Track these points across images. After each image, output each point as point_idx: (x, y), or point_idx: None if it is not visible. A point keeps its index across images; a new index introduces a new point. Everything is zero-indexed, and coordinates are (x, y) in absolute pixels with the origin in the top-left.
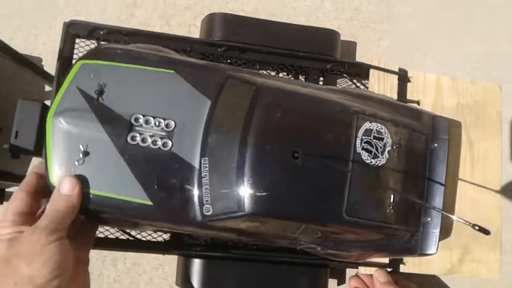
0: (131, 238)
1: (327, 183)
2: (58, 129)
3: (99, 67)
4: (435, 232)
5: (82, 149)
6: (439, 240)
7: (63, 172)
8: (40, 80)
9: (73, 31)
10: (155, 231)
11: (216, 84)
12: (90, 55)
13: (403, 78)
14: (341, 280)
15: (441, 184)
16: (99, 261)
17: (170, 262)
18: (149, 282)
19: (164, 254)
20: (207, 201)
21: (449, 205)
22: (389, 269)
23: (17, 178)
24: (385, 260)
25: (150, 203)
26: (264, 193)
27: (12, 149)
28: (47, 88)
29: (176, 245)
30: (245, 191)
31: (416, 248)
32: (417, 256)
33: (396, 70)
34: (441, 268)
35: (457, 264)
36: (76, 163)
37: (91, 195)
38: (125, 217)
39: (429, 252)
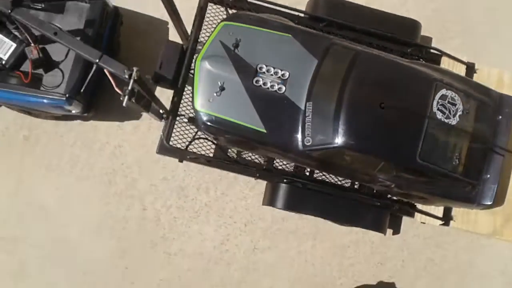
0: (234, 162)
1: (406, 131)
2: (204, 69)
3: (237, 27)
4: (492, 187)
5: (219, 85)
6: (495, 194)
7: (205, 100)
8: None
9: None
10: (262, 156)
11: (323, 47)
12: (231, 18)
13: (470, 69)
14: (396, 231)
15: (503, 149)
16: (194, 188)
17: (252, 197)
18: (233, 209)
19: (257, 179)
20: (308, 134)
21: (506, 173)
22: (440, 223)
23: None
24: (439, 213)
25: (264, 130)
26: (354, 132)
27: (155, 76)
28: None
29: (269, 172)
30: (339, 129)
31: (475, 199)
32: (475, 207)
33: (465, 61)
34: (485, 228)
35: (499, 228)
36: (215, 94)
37: (222, 119)
38: (244, 139)
39: (486, 202)
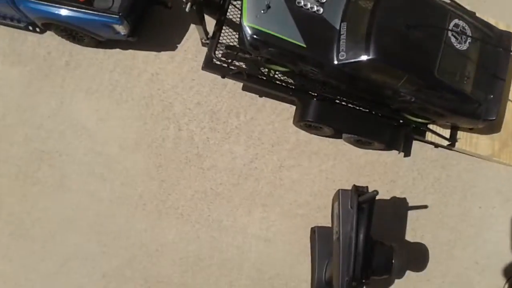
0: (272, 78)
1: (427, 50)
2: None
3: None
4: (496, 105)
5: (266, 3)
6: (498, 108)
7: (253, 16)
8: None
9: None
10: (298, 72)
11: None
12: None
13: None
14: (407, 154)
15: (503, 74)
16: (226, 112)
17: (279, 122)
18: (261, 132)
19: (291, 93)
20: (342, 49)
21: (506, 95)
22: (447, 143)
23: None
24: (447, 134)
25: (304, 45)
26: (384, 48)
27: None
28: None
29: (302, 89)
30: (370, 45)
31: (481, 115)
32: (481, 122)
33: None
34: (485, 151)
35: (497, 152)
36: (261, 11)
37: (268, 33)
38: (286, 53)
39: (491, 117)
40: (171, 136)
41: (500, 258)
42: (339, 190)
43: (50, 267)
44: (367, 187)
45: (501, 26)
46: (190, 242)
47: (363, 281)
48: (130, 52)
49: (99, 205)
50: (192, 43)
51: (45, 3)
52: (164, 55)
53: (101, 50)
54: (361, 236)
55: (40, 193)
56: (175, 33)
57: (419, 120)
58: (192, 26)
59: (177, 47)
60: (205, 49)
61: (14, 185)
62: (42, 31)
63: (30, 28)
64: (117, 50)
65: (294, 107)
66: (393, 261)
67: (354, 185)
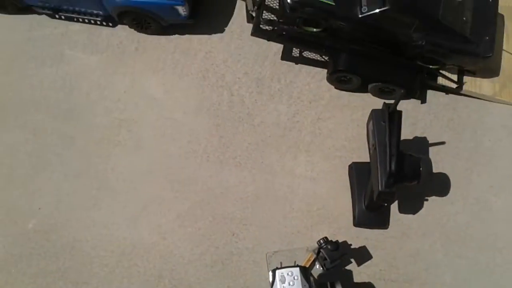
0: (310, 36)
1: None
2: None
3: None
4: (491, 44)
5: None
6: (493, 47)
7: None
8: None
9: None
10: (329, 28)
11: None
12: None
13: None
14: (423, 101)
15: (494, 17)
16: (269, 78)
17: (314, 82)
18: (300, 92)
19: (324, 50)
20: (364, 4)
21: (499, 36)
22: (455, 86)
23: None
24: (454, 78)
25: (332, 3)
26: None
27: None
28: None
29: (331, 46)
30: None
31: (480, 53)
32: (480, 60)
33: None
34: (487, 91)
35: (498, 91)
36: None
37: None
38: (319, 11)
39: (487, 54)
40: (225, 101)
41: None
42: (372, 110)
43: (132, 212)
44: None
45: None
46: (247, 184)
47: (396, 183)
48: (186, 36)
49: (171, 160)
50: (236, 25)
51: None
52: (215, 36)
53: (163, 37)
54: (394, 140)
55: (121, 153)
56: (222, 18)
57: (431, 66)
58: (236, 10)
59: (224, 29)
60: (248, 28)
61: (99, 148)
62: (114, 25)
63: (104, 23)
64: (176, 36)
65: (325, 71)
66: (420, 168)
67: (384, 102)
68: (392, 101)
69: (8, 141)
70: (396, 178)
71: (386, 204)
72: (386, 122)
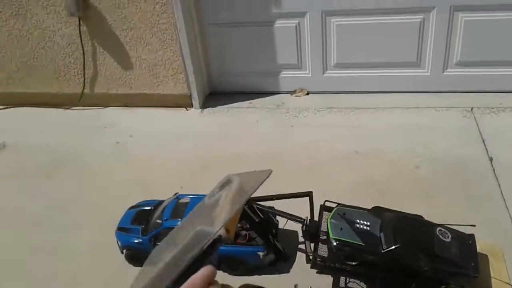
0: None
1: (427, 240)
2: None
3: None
4: (476, 268)
5: (340, 227)
6: (478, 269)
7: (335, 233)
8: None
9: None
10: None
11: None
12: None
13: None
14: None
15: (474, 249)
16: None
17: None
18: None
19: (363, 278)
20: (383, 243)
21: (486, 273)
22: None
23: None
24: None
25: (362, 244)
26: (402, 240)
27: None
28: None
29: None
30: (396, 238)
31: (470, 273)
32: (471, 278)
33: None
34: None
35: None
36: (339, 230)
37: (344, 240)
38: (354, 250)
39: (475, 274)
40: None
41: None
42: None
43: None
44: None
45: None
46: None
47: None
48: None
49: None
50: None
51: None
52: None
53: None
54: None
55: None
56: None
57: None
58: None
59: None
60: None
61: None
62: None
63: None
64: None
65: None
66: None
67: None
68: None
69: None
70: None
71: None
72: None
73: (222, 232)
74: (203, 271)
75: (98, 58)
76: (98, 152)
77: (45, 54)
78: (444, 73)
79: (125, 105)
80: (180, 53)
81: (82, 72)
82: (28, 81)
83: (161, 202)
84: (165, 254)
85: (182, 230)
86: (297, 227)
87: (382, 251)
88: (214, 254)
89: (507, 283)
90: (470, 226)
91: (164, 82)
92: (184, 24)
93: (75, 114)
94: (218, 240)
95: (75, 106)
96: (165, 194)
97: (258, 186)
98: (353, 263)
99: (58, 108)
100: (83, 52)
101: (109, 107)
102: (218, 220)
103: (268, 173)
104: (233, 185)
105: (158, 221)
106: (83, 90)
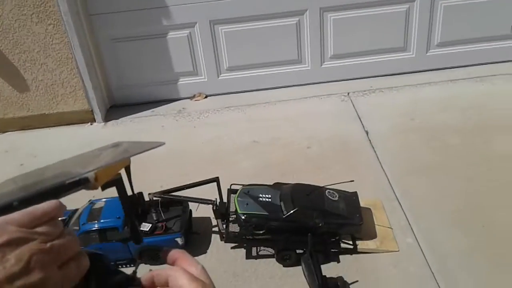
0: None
1: (319, 200)
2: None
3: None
4: (360, 218)
5: (246, 203)
6: (362, 219)
7: (242, 208)
8: None
9: None
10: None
11: None
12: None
13: None
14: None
15: (358, 204)
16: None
17: (271, 268)
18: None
19: (271, 243)
20: (284, 210)
21: (370, 221)
22: (352, 247)
23: None
24: (350, 242)
25: (267, 213)
26: (299, 204)
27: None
28: None
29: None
30: (294, 204)
31: (355, 222)
32: (358, 226)
33: None
34: (372, 246)
35: (379, 245)
36: (245, 205)
37: (250, 213)
38: (260, 220)
39: (360, 223)
40: None
41: None
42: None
43: None
44: None
45: None
46: None
47: None
48: None
49: None
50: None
51: None
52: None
53: None
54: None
55: None
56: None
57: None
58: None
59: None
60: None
61: None
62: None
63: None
64: None
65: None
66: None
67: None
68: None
69: None
70: None
71: None
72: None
73: (90, 175)
74: (49, 204)
75: None
76: (2, 175)
77: None
78: (322, 66)
79: (24, 128)
80: (77, 71)
81: None
82: None
83: (75, 210)
84: (29, 179)
85: (53, 166)
86: (210, 213)
87: (283, 216)
88: (70, 194)
89: (388, 227)
90: (349, 182)
91: (64, 101)
92: (79, 42)
93: None
94: (83, 182)
95: None
96: (76, 205)
97: (145, 150)
98: (261, 232)
99: None
100: None
101: (8, 132)
102: (91, 166)
103: (159, 144)
104: (120, 147)
105: (75, 227)
106: None
